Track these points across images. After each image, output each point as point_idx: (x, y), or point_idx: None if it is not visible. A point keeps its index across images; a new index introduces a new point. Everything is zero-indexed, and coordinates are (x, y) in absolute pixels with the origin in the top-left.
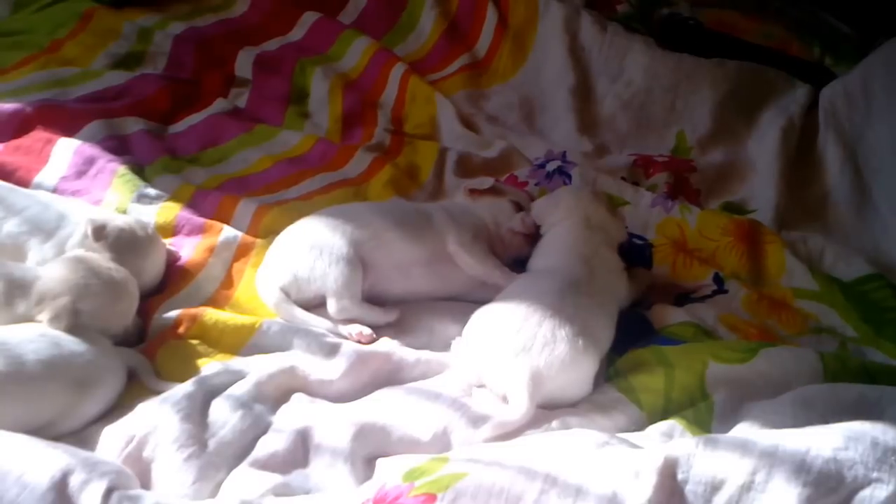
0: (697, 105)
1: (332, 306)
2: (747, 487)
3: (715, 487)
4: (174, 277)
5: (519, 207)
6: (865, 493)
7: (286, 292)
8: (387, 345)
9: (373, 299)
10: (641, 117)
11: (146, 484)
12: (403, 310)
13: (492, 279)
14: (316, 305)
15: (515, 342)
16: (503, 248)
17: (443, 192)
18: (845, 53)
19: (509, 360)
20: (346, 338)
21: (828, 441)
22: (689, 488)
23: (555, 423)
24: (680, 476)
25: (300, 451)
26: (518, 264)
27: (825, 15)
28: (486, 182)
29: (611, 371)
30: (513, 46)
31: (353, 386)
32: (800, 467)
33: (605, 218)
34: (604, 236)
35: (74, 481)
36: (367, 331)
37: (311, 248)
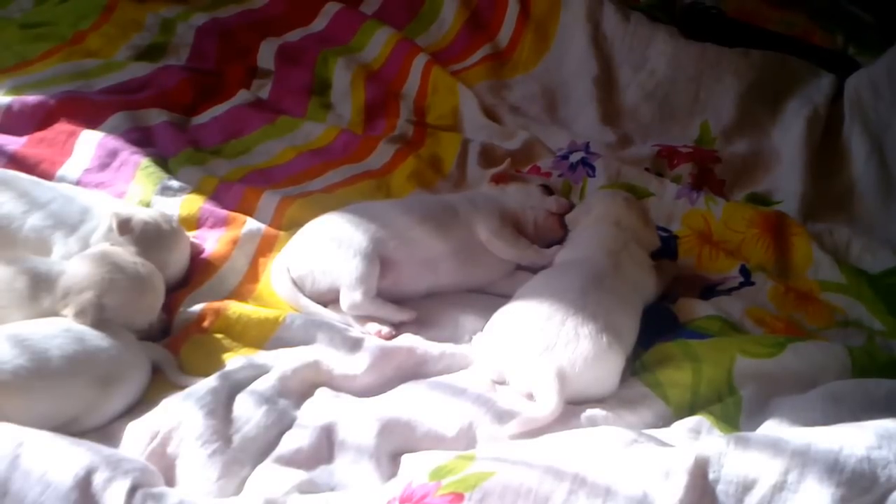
0: (721, 95)
1: (344, 299)
2: (780, 487)
3: (747, 487)
4: (198, 270)
5: (549, 191)
6: None
7: (301, 283)
8: (410, 339)
9: (396, 298)
10: (665, 107)
11: (170, 480)
12: (427, 303)
13: (526, 260)
14: (330, 301)
15: (539, 342)
16: (535, 232)
17: (466, 184)
18: (869, 43)
19: (533, 359)
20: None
21: (861, 440)
22: (720, 488)
23: (581, 419)
24: (711, 476)
25: (325, 447)
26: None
27: (848, 3)
28: (505, 165)
29: (637, 365)
30: (535, 36)
31: (377, 380)
32: (833, 467)
33: (636, 224)
34: (633, 236)
35: (98, 479)
36: (386, 329)
37: (330, 240)
